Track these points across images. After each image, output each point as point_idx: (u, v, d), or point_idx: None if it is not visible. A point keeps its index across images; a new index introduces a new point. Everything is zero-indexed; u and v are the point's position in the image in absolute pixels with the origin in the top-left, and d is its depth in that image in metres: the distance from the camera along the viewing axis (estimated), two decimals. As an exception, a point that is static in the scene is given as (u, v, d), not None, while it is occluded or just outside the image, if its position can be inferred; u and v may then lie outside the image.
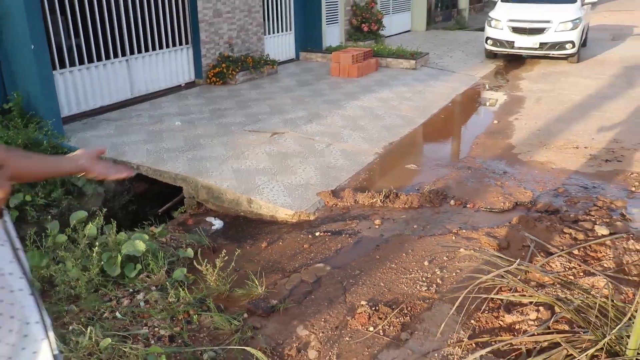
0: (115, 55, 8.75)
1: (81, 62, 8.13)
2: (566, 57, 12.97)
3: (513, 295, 3.25)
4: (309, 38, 13.27)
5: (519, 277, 3.69)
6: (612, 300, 3.10)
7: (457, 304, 3.32)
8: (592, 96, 9.74)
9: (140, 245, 4.30)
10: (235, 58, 10.64)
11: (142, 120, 7.90)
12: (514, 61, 13.53)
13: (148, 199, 6.76)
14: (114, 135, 7.18)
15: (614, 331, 2.93)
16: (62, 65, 7.85)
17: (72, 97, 8.03)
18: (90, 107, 8.35)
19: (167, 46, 9.75)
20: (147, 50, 9.32)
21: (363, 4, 15.02)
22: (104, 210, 4.88)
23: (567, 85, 10.71)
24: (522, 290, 3.32)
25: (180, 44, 10.02)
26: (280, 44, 12.72)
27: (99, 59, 8.45)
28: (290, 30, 13.00)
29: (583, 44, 14.62)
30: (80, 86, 8.14)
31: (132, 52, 9.03)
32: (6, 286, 1.54)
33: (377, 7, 15.45)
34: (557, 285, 3.67)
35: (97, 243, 4.30)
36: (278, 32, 12.60)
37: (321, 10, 13.07)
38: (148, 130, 7.40)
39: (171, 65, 9.89)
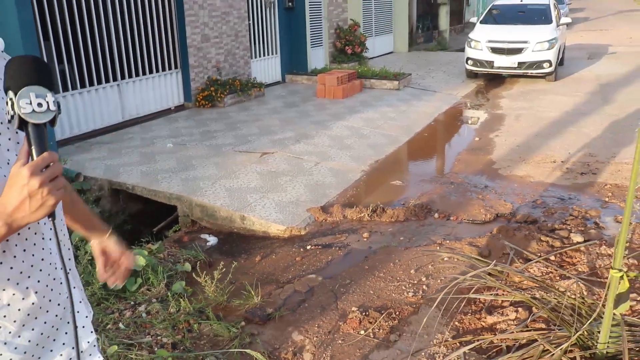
0: (107, 81, 8.99)
1: (74, 88, 8.37)
2: (544, 76, 13.40)
3: (491, 295, 3.50)
4: (294, 61, 13.62)
5: (501, 281, 3.95)
6: (583, 299, 3.36)
7: (436, 304, 3.56)
8: (569, 113, 10.12)
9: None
10: (223, 81, 10.93)
11: (134, 143, 8.12)
12: (494, 80, 13.94)
13: (143, 219, 6.96)
14: (107, 157, 7.39)
15: (584, 327, 3.18)
16: (56, 91, 8.05)
17: (65, 121, 8.25)
18: (83, 131, 8.57)
19: (157, 71, 10.02)
20: (137, 75, 9.58)
21: (346, 27, 15.42)
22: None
23: (545, 103, 11.09)
24: (501, 290, 3.57)
25: (170, 68, 10.30)
26: (266, 67, 13.04)
27: (91, 84, 8.68)
28: (277, 53, 13.33)
29: (560, 62, 15.09)
30: (73, 111, 8.37)
31: (123, 77, 9.28)
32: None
33: (360, 30, 15.86)
34: (535, 288, 3.93)
35: (98, 259, 4.50)
36: (264, 55, 12.92)
37: (306, 33, 13.44)
38: (141, 152, 7.62)
39: (161, 89, 10.15)
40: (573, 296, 3.77)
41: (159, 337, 3.76)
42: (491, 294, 3.50)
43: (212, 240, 5.69)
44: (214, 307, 4.17)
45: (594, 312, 3.44)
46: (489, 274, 3.93)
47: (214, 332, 3.81)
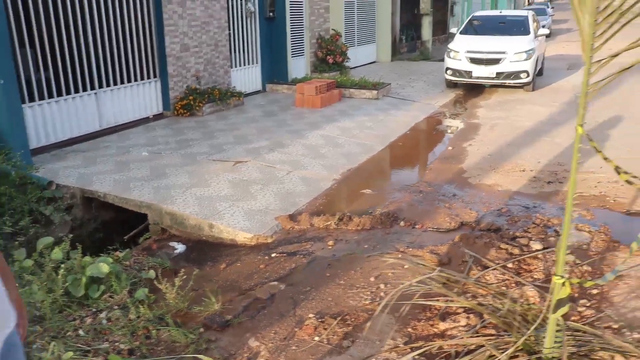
0: (84, 89, 9.02)
1: (50, 96, 8.39)
2: (522, 86, 13.58)
3: (438, 301, 3.58)
4: (275, 70, 13.71)
5: (456, 289, 4.02)
6: (529, 305, 3.45)
7: (387, 310, 3.63)
8: (543, 122, 10.26)
9: (104, 268, 4.55)
10: (202, 90, 10.99)
11: (110, 151, 8.16)
12: (474, 90, 14.10)
13: (115, 227, 7.00)
14: (81, 166, 7.42)
15: (529, 332, 3.26)
16: (32, 99, 8.09)
17: (41, 129, 8.28)
18: (60, 139, 8.59)
19: (136, 80, 10.07)
20: (115, 83, 9.62)
21: (328, 37, 15.54)
22: (70, 236, 5.13)
23: (522, 113, 11.25)
24: (448, 297, 3.64)
25: (149, 77, 10.34)
26: (247, 76, 13.12)
27: (68, 92, 8.71)
28: (257, 62, 13.42)
29: (539, 73, 15.31)
30: (49, 119, 8.40)
31: (100, 86, 9.31)
32: None
33: (341, 40, 15.98)
34: (489, 295, 4.02)
35: (62, 267, 4.55)
36: (245, 64, 13.01)
37: (286, 43, 13.53)
38: (116, 160, 7.66)
39: (139, 98, 10.19)
40: (523, 302, 3.86)
41: (116, 344, 3.81)
42: (438, 301, 3.57)
43: (180, 248, 5.74)
44: (174, 314, 4.22)
45: (542, 317, 3.53)
46: (445, 282, 4.01)
47: (172, 339, 3.86)
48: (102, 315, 4.22)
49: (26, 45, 7.97)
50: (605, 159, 3.26)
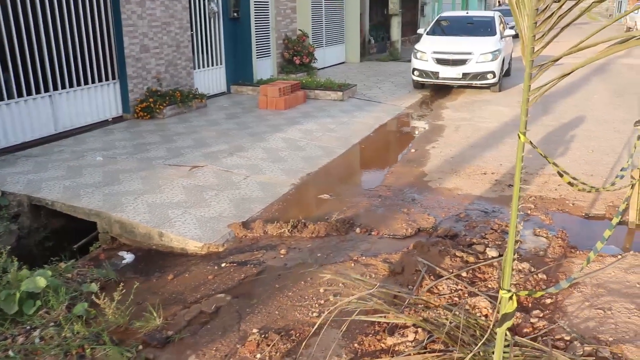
0: (38, 91, 8.73)
1: (1, 99, 8.09)
2: (488, 87, 13.55)
3: (382, 316, 3.42)
4: (240, 71, 13.49)
5: (406, 302, 3.88)
6: (476, 320, 3.31)
7: (327, 325, 3.47)
8: (507, 124, 10.21)
9: (41, 282, 4.33)
10: (164, 92, 10.74)
11: (63, 156, 7.89)
12: (441, 91, 14.04)
13: (66, 235, 6.75)
14: (31, 171, 7.15)
15: (476, 348, 3.13)
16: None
17: (-10, 133, 7.99)
18: (11, 143, 8.28)
19: (93, 81, 9.78)
20: (71, 85, 9.33)
21: (295, 38, 15.36)
22: (8, 248, 4.89)
23: (487, 114, 11.19)
24: (388, 312, 3.49)
25: (107, 79, 10.07)
26: (210, 78, 12.88)
27: (20, 94, 8.41)
28: (221, 64, 13.19)
29: (506, 73, 15.31)
30: (-1, 122, 8.11)
31: (55, 88, 9.02)
32: None
33: (308, 41, 15.81)
34: (441, 307, 3.88)
35: (-2, 281, 4.32)
36: (208, 66, 12.77)
37: (252, 44, 13.33)
38: (68, 166, 7.40)
39: (97, 100, 9.91)
40: (472, 315, 3.73)
41: (47, 365, 3.59)
42: (384, 317, 3.42)
43: (128, 257, 5.52)
44: (113, 331, 4.01)
45: (489, 332, 3.40)
46: (395, 295, 3.87)
47: (108, 358, 3.66)
48: (36, 333, 3.99)
49: (-26, 46, 7.68)
50: (553, 163, 3.15)
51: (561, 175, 3.08)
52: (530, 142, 2.76)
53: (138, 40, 10.31)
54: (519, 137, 2.76)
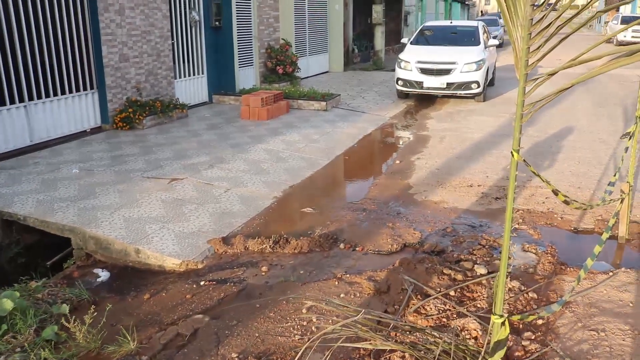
0: (12, 102, 8.47)
1: (-27, 110, 7.86)
2: (473, 96, 13.48)
3: (366, 342, 3.24)
4: (222, 81, 13.30)
5: (392, 325, 3.71)
6: (465, 346, 3.15)
7: (312, 351, 3.29)
8: (492, 134, 10.12)
9: (7, 304, 4.11)
10: (144, 102, 10.52)
11: (38, 168, 7.65)
12: (425, 101, 13.95)
13: (40, 251, 6.50)
14: (4, 185, 6.90)
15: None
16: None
17: (-38, 145, 7.72)
18: (-16, 155, 8.04)
19: (71, 91, 9.54)
20: (48, 95, 9.09)
21: (278, 47, 15.21)
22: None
23: (472, 124, 11.10)
24: (379, 340, 3.31)
25: (85, 89, 9.83)
26: (192, 87, 12.68)
27: (-6, 105, 8.17)
28: (203, 73, 12.99)
29: (490, 83, 15.28)
30: (-29, 134, 7.85)
31: (31, 98, 8.77)
32: None
33: (292, 50, 15.66)
34: (428, 328, 3.72)
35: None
36: (190, 75, 12.57)
37: (234, 53, 13.15)
38: (42, 179, 7.16)
39: (75, 110, 9.67)
40: (462, 338, 3.57)
41: (11, 395, 3.37)
42: (368, 342, 3.24)
43: (103, 275, 5.31)
44: (84, 356, 3.81)
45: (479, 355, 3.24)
46: (379, 319, 3.70)
47: (77, 386, 3.45)
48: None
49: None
50: (545, 181, 3.02)
51: (556, 194, 2.95)
52: (524, 161, 2.62)
53: (117, 49, 10.09)
54: (512, 155, 2.62)
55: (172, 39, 11.67)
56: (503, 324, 2.80)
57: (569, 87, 2.37)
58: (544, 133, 9.94)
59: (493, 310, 2.83)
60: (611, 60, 2.07)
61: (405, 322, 3.72)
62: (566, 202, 3.04)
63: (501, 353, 2.72)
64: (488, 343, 2.93)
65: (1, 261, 6.25)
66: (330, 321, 4.00)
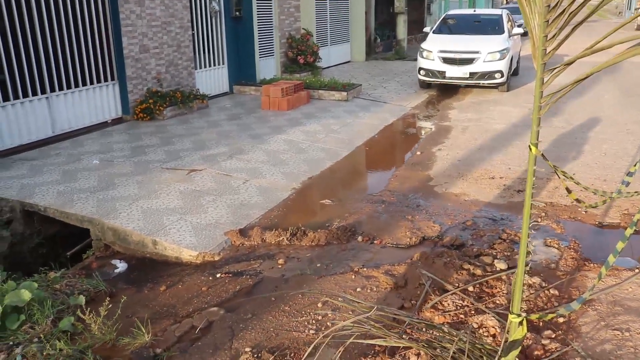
0: (35, 93, 8.53)
1: (-4, 101, 7.92)
2: (496, 86, 13.28)
3: (382, 339, 3.18)
4: (243, 71, 13.27)
5: (411, 318, 3.64)
6: (482, 345, 3.08)
7: (325, 344, 3.24)
8: (516, 125, 9.95)
9: (25, 295, 4.13)
10: (164, 93, 10.53)
11: (59, 159, 7.69)
12: (447, 90, 13.78)
13: (61, 241, 6.55)
14: (26, 176, 6.96)
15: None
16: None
17: (-15, 136, 7.80)
18: (7, 147, 8.10)
19: (92, 83, 9.58)
20: (69, 87, 9.14)
21: (298, 37, 15.13)
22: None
23: (495, 114, 10.93)
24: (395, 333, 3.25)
25: (106, 80, 9.87)
26: (212, 78, 12.67)
27: (17, 97, 8.22)
28: (223, 64, 12.97)
29: (514, 73, 15.03)
30: (-6, 125, 7.92)
31: (53, 90, 8.83)
32: None
33: (312, 40, 15.57)
34: (445, 324, 3.65)
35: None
36: (210, 66, 12.56)
37: (254, 43, 13.11)
38: (63, 170, 7.20)
39: (96, 101, 9.71)
40: (479, 335, 3.50)
41: (27, 386, 3.39)
42: (383, 339, 3.17)
43: (121, 266, 5.32)
44: (99, 347, 3.81)
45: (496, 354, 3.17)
46: (394, 316, 3.63)
47: (91, 378, 3.45)
48: (18, 350, 3.78)
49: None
50: (564, 173, 2.92)
51: (569, 192, 2.83)
52: (543, 155, 2.53)
53: (137, 40, 10.11)
54: (530, 149, 2.53)
55: (193, 30, 11.65)
56: (520, 323, 2.72)
57: (586, 77, 2.27)
58: (569, 124, 9.75)
59: (510, 309, 2.75)
60: (631, 47, 1.98)
61: (420, 318, 3.65)
62: (578, 201, 2.94)
63: (515, 352, 2.65)
64: (505, 341, 2.86)
65: (23, 251, 6.31)
66: (345, 316, 3.96)
